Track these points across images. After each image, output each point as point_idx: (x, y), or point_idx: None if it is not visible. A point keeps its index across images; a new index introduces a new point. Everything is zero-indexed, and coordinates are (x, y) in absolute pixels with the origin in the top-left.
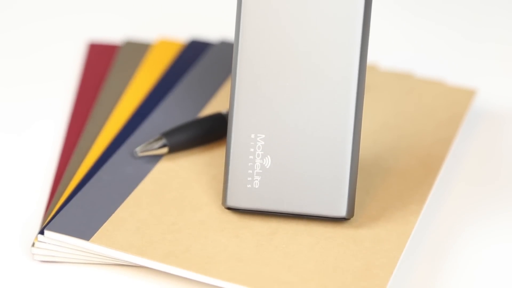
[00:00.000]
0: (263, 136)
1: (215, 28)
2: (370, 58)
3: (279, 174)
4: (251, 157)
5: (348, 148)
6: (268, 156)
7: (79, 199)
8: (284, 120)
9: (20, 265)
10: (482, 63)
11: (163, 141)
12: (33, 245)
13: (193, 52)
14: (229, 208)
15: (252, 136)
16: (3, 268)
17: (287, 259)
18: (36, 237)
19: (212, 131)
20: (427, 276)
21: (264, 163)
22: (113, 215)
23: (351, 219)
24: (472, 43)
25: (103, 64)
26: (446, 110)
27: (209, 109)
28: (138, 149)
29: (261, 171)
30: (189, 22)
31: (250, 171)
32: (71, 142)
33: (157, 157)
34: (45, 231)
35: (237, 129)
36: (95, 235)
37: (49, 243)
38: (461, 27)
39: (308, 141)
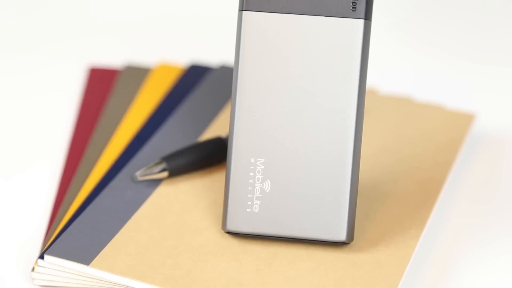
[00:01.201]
0: (263, 160)
1: (215, 53)
2: (369, 82)
3: (279, 198)
4: (250, 181)
5: (348, 172)
6: (268, 180)
7: (79, 224)
8: (283, 144)
9: None
10: (481, 87)
11: (163, 165)
12: (33, 269)
13: (193, 77)
14: (229, 232)
15: (252, 160)
16: None
17: (286, 283)
18: (36, 262)
19: (212, 155)
20: None
21: (264, 187)
22: (113, 239)
23: (351, 243)
24: (471, 68)
25: (103, 89)
26: (445, 134)
27: (209, 133)
28: (138, 173)
29: (261, 195)
30: (189, 46)
31: (250, 195)
32: (71, 166)
33: (157, 181)
34: (45, 256)
35: (237, 153)
36: (95, 259)
37: (49, 268)
38: (460, 52)
39: (307, 165)
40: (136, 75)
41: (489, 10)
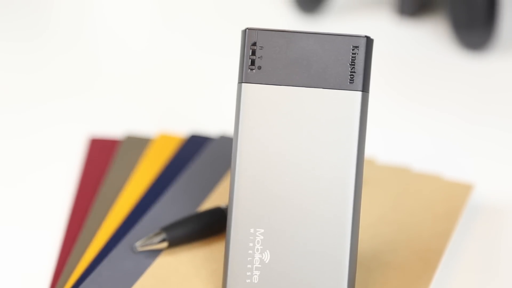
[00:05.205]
0: (262, 230)
1: (214, 123)
2: (368, 151)
3: (278, 269)
4: (250, 251)
5: (347, 242)
6: (267, 250)
7: None
8: (283, 215)
9: None
10: (479, 157)
11: (163, 235)
12: None
13: (193, 147)
14: None
15: (252, 230)
16: None
17: None
18: None
19: (212, 226)
20: None
21: (263, 258)
22: None
23: None
24: (469, 137)
25: (104, 159)
26: (444, 204)
27: (209, 204)
28: (138, 243)
29: (260, 265)
30: (189, 117)
31: (249, 266)
32: (71, 236)
33: (157, 252)
34: None
35: (236, 224)
36: None
37: None
38: (458, 122)
39: (307, 235)
40: (137, 145)
41: (487, 82)
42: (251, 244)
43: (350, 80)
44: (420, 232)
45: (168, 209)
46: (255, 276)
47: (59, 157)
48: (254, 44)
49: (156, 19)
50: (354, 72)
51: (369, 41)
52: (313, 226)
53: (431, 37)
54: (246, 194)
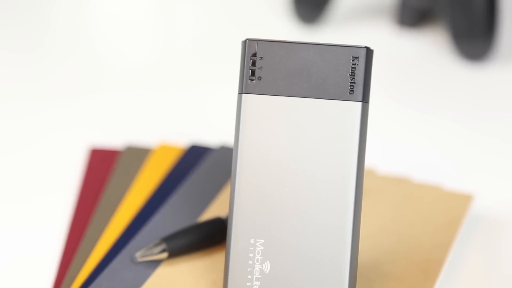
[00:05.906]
0: (263, 241)
1: (214, 133)
2: (368, 162)
3: (278, 280)
4: (250, 262)
5: (347, 253)
6: (268, 261)
7: None
8: (283, 225)
9: None
10: (479, 168)
11: (163, 246)
12: None
13: (193, 157)
14: None
15: (252, 241)
16: None
17: None
18: None
19: (212, 236)
20: None
21: (263, 268)
22: None
23: None
24: (469, 148)
25: (104, 169)
26: (444, 215)
27: (209, 214)
28: (138, 254)
29: (260, 276)
30: (189, 127)
31: (249, 276)
32: (71, 247)
33: (157, 262)
34: None
35: (236, 234)
36: None
37: None
38: (458, 132)
39: (307, 246)
40: (137, 155)
41: (487, 92)
42: (251, 255)
43: (350, 90)
44: (420, 242)
45: (168, 220)
46: (255, 286)
47: (60, 168)
48: (254, 54)
49: (157, 28)
50: (354, 82)
51: (369, 52)
52: (314, 236)
53: (431, 47)
54: (246, 204)
